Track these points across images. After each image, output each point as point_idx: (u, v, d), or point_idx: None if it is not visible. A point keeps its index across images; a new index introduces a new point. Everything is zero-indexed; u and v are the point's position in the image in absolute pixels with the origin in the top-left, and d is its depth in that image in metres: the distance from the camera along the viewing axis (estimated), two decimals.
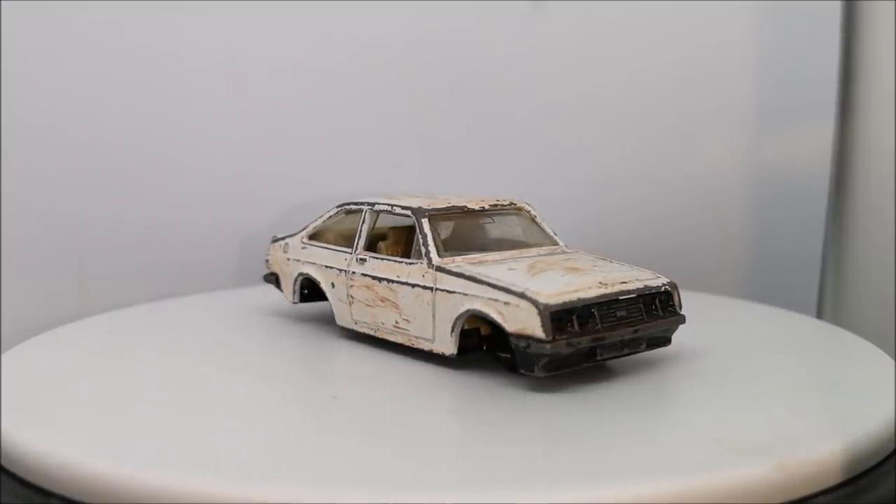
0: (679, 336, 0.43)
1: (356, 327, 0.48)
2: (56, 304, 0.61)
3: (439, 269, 0.43)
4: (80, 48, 0.61)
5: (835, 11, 0.66)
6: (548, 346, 0.38)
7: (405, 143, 0.68)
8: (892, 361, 0.45)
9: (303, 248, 0.51)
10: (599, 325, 0.40)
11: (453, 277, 0.42)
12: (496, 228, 0.48)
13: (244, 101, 0.65)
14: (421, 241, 0.44)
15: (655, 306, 0.42)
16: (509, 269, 0.42)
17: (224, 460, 0.33)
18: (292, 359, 0.48)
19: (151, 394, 0.41)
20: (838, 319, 0.65)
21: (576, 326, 0.39)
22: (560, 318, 0.39)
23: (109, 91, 0.62)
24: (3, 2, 0.59)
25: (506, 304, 0.40)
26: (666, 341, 0.43)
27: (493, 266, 0.43)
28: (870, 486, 0.35)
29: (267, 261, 0.54)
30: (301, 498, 0.30)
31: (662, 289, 0.42)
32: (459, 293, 0.42)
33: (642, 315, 0.41)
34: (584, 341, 0.39)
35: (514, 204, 0.48)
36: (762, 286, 0.74)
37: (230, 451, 0.34)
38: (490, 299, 0.40)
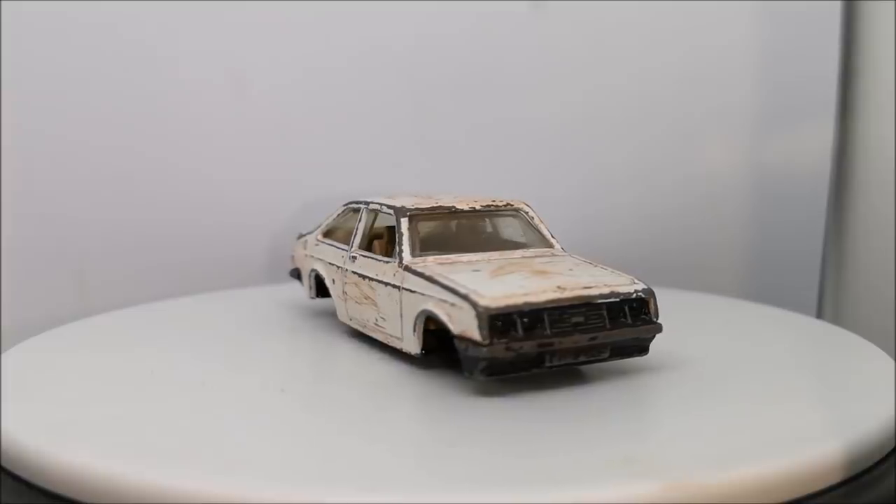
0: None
1: (351, 324, 0.49)
2: (56, 304, 0.61)
3: (407, 268, 0.43)
4: (82, 50, 0.61)
5: (835, 11, 0.66)
6: (484, 349, 0.38)
7: (409, 144, 0.68)
8: (892, 361, 0.45)
9: (316, 244, 0.52)
10: (548, 331, 0.39)
11: (415, 277, 0.42)
12: (488, 229, 0.47)
13: (246, 103, 0.65)
14: (398, 240, 0.45)
15: (624, 314, 0.41)
16: (474, 270, 0.42)
17: (224, 460, 0.33)
18: (289, 357, 0.48)
19: (152, 394, 0.41)
20: (838, 319, 0.65)
21: (520, 331, 0.38)
22: (502, 321, 0.38)
23: (111, 92, 0.62)
24: (3, 2, 0.59)
25: (452, 305, 0.39)
26: (640, 350, 0.42)
27: (461, 267, 0.43)
28: (869, 485, 0.35)
29: (292, 257, 0.55)
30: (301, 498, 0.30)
31: (634, 296, 0.41)
32: (418, 293, 0.42)
33: (604, 322, 0.40)
34: (527, 346, 0.38)
35: (511, 205, 0.48)
36: (762, 286, 0.74)
37: (230, 450, 0.34)
38: (441, 300, 0.40)
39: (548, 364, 0.39)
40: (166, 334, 0.51)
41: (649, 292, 0.41)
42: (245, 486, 0.31)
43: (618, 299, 0.40)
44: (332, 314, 0.52)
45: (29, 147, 0.61)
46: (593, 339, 0.40)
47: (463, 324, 0.39)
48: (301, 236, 0.55)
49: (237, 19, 0.64)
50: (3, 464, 0.36)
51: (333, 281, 0.49)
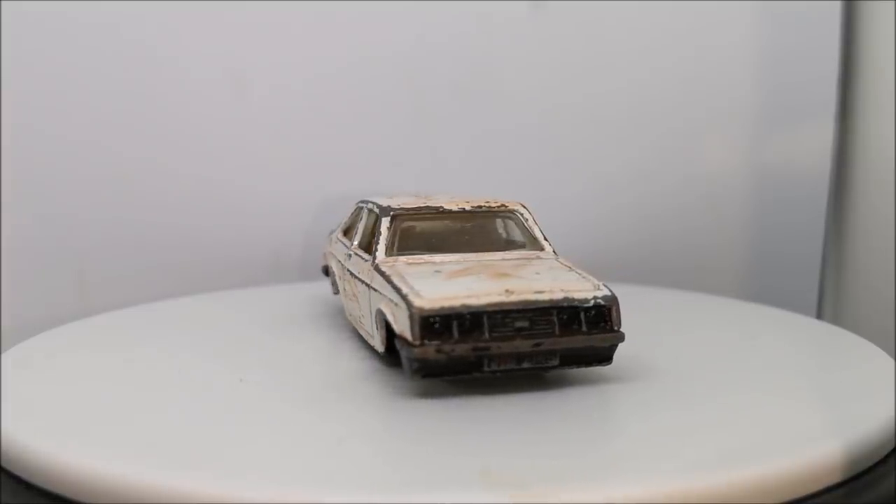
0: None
1: (350, 320, 0.49)
2: (56, 304, 0.61)
3: (376, 267, 0.43)
4: (83, 50, 0.61)
5: (835, 11, 0.66)
6: (415, 350, 0.38)
7: (413, 145, 0.68)
8: (893, 361, 0.45)
9: (335, 242, 0.53)
10: (487, 335, 0.38)
11: (379, 276, 0.42)
12: (476, 230, 0.47)
13: (246, 103, 0.65)
14: (376, 239, 0.45)
15: (579, 321, 0.39)
16: (436, 271, 0.42)
17: (223, 460, 0.34)
18: (285, 356, 0.48)
19: (152, 393, 0.41)
20: (838, 319, 0.65)
21: (455, 333, 0.38)
22: (440, 323, 0.38)
23: (112, 92, 0.62)
24: (3, 2, 0.59)
25: (396, 305, 0.40)
26: (601, 359, 0.40)
27: (426, 268, 0.43)
28: (870, 486, 0.35)
29: (324, 254, 0.56)
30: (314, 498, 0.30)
31: (591, 302, 0.39)
32: (379, 292, 0.42)
33: (553, 328, 0.39)
34: (460, 349, 0.38)
35: (506, 206, 0.47)
36: (762, 287, 0.74)
37: (230, 451, 0.35)
38: (389, 300, 0.40)
39: (486, 368, 0.39)
40: (166, 334, 0.51)
41: (611, 299, 0.40)
42: (244, 486, 0.31)
43: (569, 305, 0.39)
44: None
45: (29, 147, 0.61)
46: (538, 345, 0.38)
47: (401, 323, 0.39)
48: (331, 233, 0.55)
49: (239, 20, 0.64)
50: (3, 464, 0.36)
51: (339, 278, 0.50)
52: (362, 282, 0.45)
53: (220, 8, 0.63)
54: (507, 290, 0.39)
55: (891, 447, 0.37)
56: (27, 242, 0.62)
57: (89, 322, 0.54)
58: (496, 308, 0.38)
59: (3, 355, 0.46)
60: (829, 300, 0.67)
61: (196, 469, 0.32)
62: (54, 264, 0.63)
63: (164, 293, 0.60)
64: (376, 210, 0.47)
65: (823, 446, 0.34)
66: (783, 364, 0.46)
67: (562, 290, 0.39)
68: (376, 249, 0.44)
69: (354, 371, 0.44)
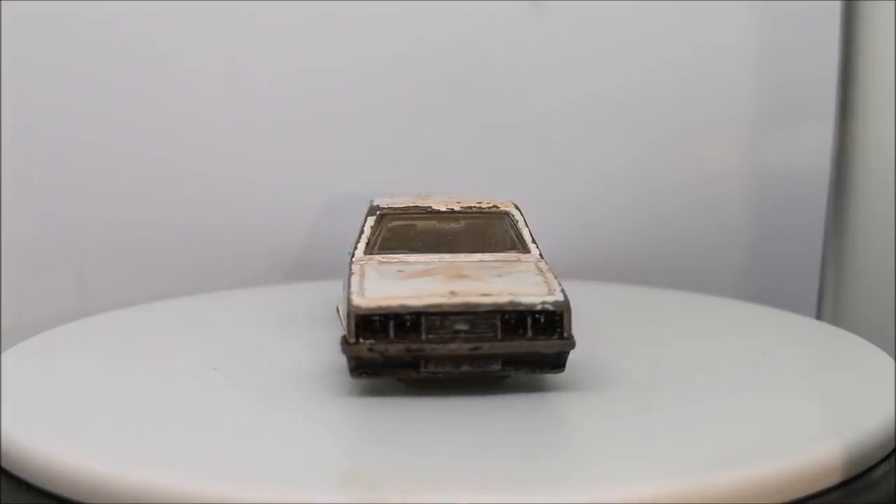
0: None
1: None
2: (56, 304, 0.61)
3: (349, 266, 0.44)
4: (83, 49, 0.61)
5: (835, 11, 0.66)
6: (349, 348, 0.38)
7: (410, 145, 0.68)
8: (893, 361, 0.45)
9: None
10: (424, 336, 0.38)
11: (347, 275, 0.43)
12: (464, 231, 0.47)
13: (246, 103, 0.65)
14: (359, 237, 0.46)
15: (525, 326, 0.38)
16: (398, 271, 0.42)
17: (225, 460, 0.34)
18: (291, 357, 0.48)
19: (152, 394, 0.41)
20: (838, 320, 0.65)
21: (390, 333, 0.38)
22: (380, 322, 0.38)
23: (112, 91, 0.62)
24: (3, 2, 0.59)
25: (344, 303, 0.40)
26: (553, 366, 0.39)
27: (393, 267, 0.43)
28: (870, 486, 0.35)
29: None
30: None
31: (538, 307, 0.38)
32: (345, 290, 0.42)
33: (495, 333, 0.38)
34: (394, 350, 0.38)
35: (497, 206, 0.47)
36: (762, 287, 0.74)
37: (231, 451, 0.35)
38: (346, 299, 0.41)
39: (423, 370, 0.38)
40: (166, 334, 0.51)
41: (562, 305, 0.38)
42: (245, 486, 0.31)
43: (513, 309, 0.38)
44: None
45: (29, 147, 0.61)
46: (476, 348, 0.38)
47: (345, 321, 0.39)
48: None
49: (239, 19, 0.64)
50: (3, 464, 0.36)
51: None
52: (343, 280, 0.45)
53: (220, 7, 0.63)
54: (450, 292, 0.38)
55: (891, 447, 0.37)
56: (27, 242, 0.62)
57: (89, 322, 0.54)
58: (435, 309, 0.38)
59: (3, 355, 0.46)
60: (829, 300, 0.67)
61: (196, 469, 0.33)
62: (54, 264, 0.63)
63: (164, 293, 0.60)
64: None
65: (823, 446, 0.34)
66: (783, 364, 0.46)
67: (510, 294, 0.38)
68: (355, 248, 0.45)
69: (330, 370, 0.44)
